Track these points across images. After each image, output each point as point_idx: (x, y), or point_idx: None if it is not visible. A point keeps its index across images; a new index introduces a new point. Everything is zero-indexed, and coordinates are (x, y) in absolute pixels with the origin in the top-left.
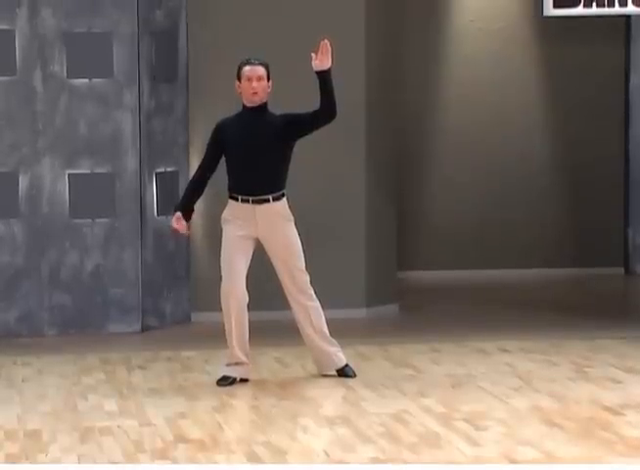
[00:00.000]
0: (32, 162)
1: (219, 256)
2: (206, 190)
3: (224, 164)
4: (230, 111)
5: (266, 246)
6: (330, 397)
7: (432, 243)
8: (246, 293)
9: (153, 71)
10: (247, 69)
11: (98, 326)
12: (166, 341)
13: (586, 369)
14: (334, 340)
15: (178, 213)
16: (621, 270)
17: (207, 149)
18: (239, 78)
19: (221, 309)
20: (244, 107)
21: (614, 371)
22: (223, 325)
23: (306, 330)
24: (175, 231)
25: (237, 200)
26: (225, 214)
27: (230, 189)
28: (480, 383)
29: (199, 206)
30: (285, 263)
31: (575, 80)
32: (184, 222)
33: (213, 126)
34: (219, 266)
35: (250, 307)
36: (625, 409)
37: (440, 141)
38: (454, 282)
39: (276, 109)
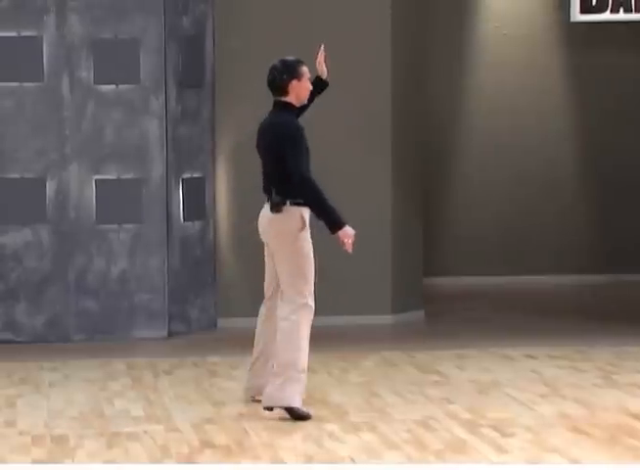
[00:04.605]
0: (59, 167)
1: (245, 261)
2: (233, 195)
3: (259, 166)
4: (256, 116)
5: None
6: (356, 403)
7: (458, 249)
8: None
9: (179, 77)
10: (305, 69)
11: (124, 332)
12: (192, 347)
13: (613, 376)
14: None
15: (351, 230)
16: None
17: (302, 153)
18: (297, 77)
19: (246, 315)
20: (292, 107)
21: None
22: (248, 331)
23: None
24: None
25: (304, 205)
26: (298, 223)
27: (296, 195)
28: (506, 389)
29: (225, 211)
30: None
31: (602, 87)
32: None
33: (299, 130)
34: (245, 272)
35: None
36: None
37: (466, 149)
38: (480, 288)
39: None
